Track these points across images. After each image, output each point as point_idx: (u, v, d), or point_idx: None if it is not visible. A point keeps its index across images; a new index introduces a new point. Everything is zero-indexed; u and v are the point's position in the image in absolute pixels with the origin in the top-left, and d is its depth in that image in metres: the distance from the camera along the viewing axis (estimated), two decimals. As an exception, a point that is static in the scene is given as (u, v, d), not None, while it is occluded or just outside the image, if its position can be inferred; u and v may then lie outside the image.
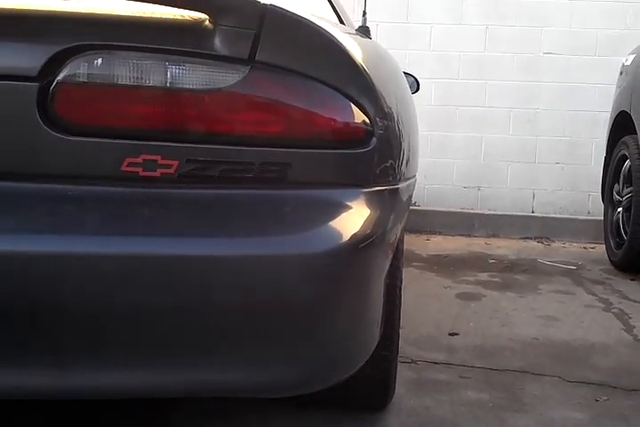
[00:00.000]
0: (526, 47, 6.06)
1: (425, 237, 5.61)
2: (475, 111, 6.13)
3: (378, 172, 1.65)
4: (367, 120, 1.61)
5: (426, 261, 4.76)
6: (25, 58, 1.48)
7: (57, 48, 1.47)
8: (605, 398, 2.55)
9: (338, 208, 1.57)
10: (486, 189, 6.17)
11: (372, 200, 1.63)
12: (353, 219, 1.57)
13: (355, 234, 1.54)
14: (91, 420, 2.22)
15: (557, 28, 6.04)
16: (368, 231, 1.57)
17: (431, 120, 5.97)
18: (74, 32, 1.50)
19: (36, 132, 1.47)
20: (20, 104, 1.47)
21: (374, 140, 1.62)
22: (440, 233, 5.78)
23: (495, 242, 5.58)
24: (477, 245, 5.45)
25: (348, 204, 1.58)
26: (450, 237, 5.69)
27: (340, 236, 1.52)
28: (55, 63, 1.47)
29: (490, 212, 6.05)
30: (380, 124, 1.63)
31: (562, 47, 6.03)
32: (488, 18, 6.07)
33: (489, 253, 5.15)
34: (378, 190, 1.66)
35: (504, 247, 5.37)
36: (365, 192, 1.62)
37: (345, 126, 1.60)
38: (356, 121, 1.60)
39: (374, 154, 1.63)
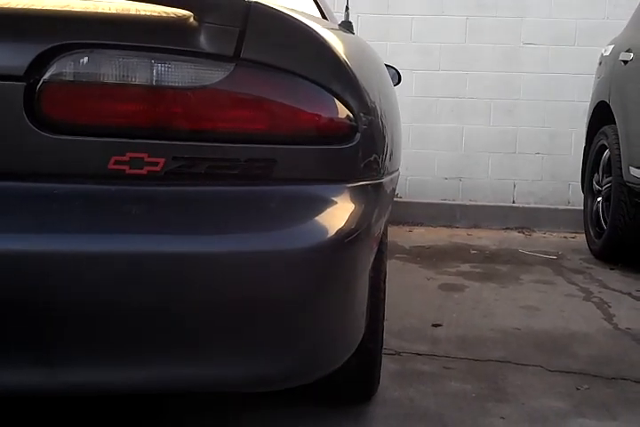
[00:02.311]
0: (506, 38, 6.09)
1: (407, 228, 5.64)
2: (455, 102, 6.16)
3: (362, 167, 1.67)
4: (351, 116, 1.63)
5: (408, 252, 4.79)
6: (11, 57, 1.49)
7: (43, 47, 1.48)
8: (586, 386, 2.59)
9: (323, 203, 1.59)
10: (467, 180, 6.20)
11: (357, 195, 1.65)
12: (338, 214, 1.59)
13: (340, 229, 1.56)
14: (77, 415, 2.23)
15: (537, 18, 6.07)
16: (353, 226, 1.59)
17: (412, 111, 5.99)
18: (60, 31, 1.51)
19: (24, 131, 1.48)
20: (7, 103, 1.48)
21: (358, 135, 1.64)
22: (422, 224, 5.80)
23: (477, 233, 5.62)
24: (459, 235, 5.48)
25: (334, 199, 1.60)
26: (432, 229, 5.72)
27: (326, 231, 1.54)
28: (41, 62, 1.48)
29: (471, 202, 6.09)
30: (363, 119, 1.65)
31: (541, 37, 6.06)
32: (468, 9, 6.10)
33: (471, 243, 5.19)
34: (362, 185, 1.68)
35: (485, 238, 5.41)
36: (350, 187, 1.64)
37: (329, 122, 1.62)
38: (340, 117, 1.62)
39: (358, 149, 1.64)
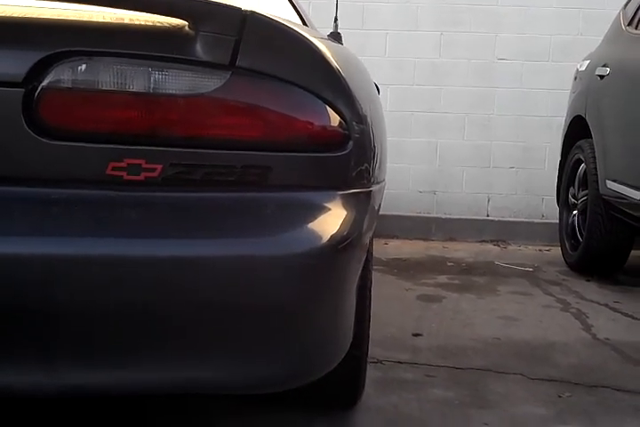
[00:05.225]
0: (480, 53, 6.14)
1: (383, 241, 5.64)
2: (430, 116, 6.20)
3: (354, 174, 1.70)
4: (344, 124, 1.65)
5: (386, 264, 4.81)
6: (10, 64, 1.50)
7: (42, 54, 1.50)
8: (568, 394, 2.62)
9: (317, 210, 1.61)
10: (442, 194, 6.24)
11: (349, 202, 1.68)
12: (331, 221, 1.61)
13: (334, 235, 1.58)
14: (79, 416, 2.24)
15: (511, 34, 6.12)
16: (346, 233, 1.62)
17: (387, 125, 6.00)
18: (58, 39, 1.53)
19: (22, 137, 1.50)
20: (6, 109, 1.49)
21: (351, 143, 1.66)
22: (398, 237, 5.82)
23: (452, 245, 5.65)
24: (435, 248, 5.52)
25: (326, 206, 1.63)
26: (408, 241, 5.74)
27: (320, 237, 1.56)
28: (40, 69, 1.50)
29: (446, 216, 6.12)
30: (356, 128, 1.68)
31: (515, 53, 6.12)
32: (442, 24, 6.15)
33: (447, 256, 5.22)
34: (353, 193, 1.71)
35: (461, 250, 5.44)
36: (342, 195, 1.67)
37: (323, 130, 1.64)
38: (333, 124, 1.65)
39: (351, 157, 1.67)
